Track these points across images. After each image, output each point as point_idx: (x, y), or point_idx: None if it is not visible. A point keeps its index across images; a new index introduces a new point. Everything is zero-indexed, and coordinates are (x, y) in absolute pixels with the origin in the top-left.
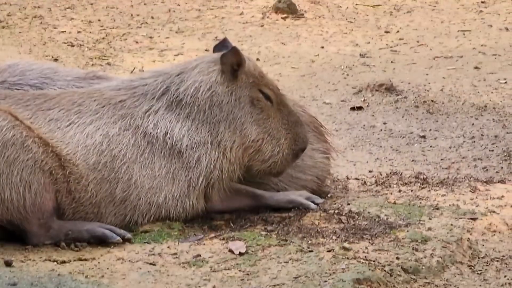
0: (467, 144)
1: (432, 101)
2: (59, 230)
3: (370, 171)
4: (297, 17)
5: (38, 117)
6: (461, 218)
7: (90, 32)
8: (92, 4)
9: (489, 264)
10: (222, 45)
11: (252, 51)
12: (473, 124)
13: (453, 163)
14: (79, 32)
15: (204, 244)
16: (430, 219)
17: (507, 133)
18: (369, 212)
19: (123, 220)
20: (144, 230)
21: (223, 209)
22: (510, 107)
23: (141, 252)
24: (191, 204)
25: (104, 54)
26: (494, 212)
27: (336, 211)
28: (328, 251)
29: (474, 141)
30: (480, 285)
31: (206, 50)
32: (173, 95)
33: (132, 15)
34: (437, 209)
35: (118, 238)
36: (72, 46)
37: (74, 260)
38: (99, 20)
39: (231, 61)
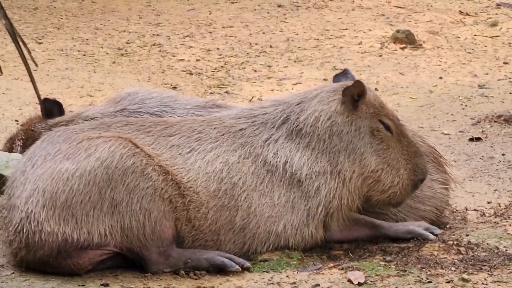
0: None
1: None
2: (178, 258)
3: (488, 202)
4: (416, 47)
5: (159, 143)
6: None
7: (209, 61)
8: (210, 32)
9: None
10: (342, 75)
11: (370, 81)
12: None
13: None
14: (197, 60)
15: (323, 273)
16: None
17: None
18: (488, 244)
19: (242, 248)
20: (263, 259)
21: (342, 238)
22: None
23: (260, 281)
24: (310, 233)
25: (222, 82)
26: None
27: (455, 242)
28: (447, 282)
29: None
30: None
31: (325, 79)
32: (293, 124)
33: (250, 43)
34: None
35: (237, 266)
36: (191, 74)
37: None
38: (217, 49)
39: (352, 91)
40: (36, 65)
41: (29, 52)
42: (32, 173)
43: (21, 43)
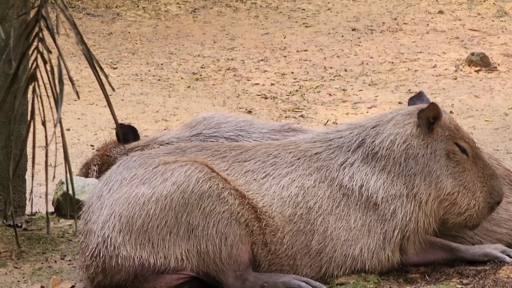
0: None
1: None
2: (255, 282)
3: None
4: (490, 70)
5: (234, 169)
6: None
7: (284, 85)
8: (285, 56)
9: None
10: (417, 98)
11: (445, 104)
12: None
13: None
14: (272, 84)
15: None
16: None
17: None
18: None
19: (319, 272)
20: (340, 283)
21: (418, 261)
22: None
23: None
24: (386, 256)
25: (297, 106)
26: None
27: None
28: None
29: None
30: None
31: (400, 102)
32: (369, 147)
33: (325, 67)
34: None
35: None
36: (266, 98)
37: None
38: (292, 73)
39: (427, 114)
40: (113, 89)
41: (106, 77)
42: (108, 198)
43: (98, 68)
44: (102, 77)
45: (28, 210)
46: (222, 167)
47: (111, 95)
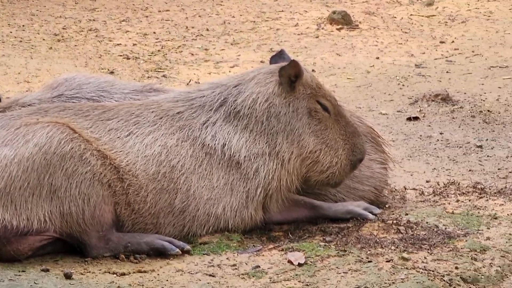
0: None
1: (488, 111)
2: (118, 242)
3: (427, 181)
4: (352, 28)
5: (98, 127)
6: None
7: (146, 45)
8: (147, 16)
9: None
10: (278, 56)
11: (307, 62)
12: None
13: (510, 172)
14: (134, 44)
15: (263, 255)
16: (488, 228)
17: None
18: (427, 222)
19: (182, 231)
20: (203, 242)
21: (282, 220)
22: None
23: (200, 263)
24: (249, 215)
25: (159, 66)
26: None
27: (395, 221)
28: (387, 261)
29: None
30: None
31: (262, 61)
32: (231, 106)
33: (187, 27)
34: (496, 218)
35: (177, 250)
36: (128, 58)
37: (134, 272)
38: (154, 33)
39: (289, 72)
40: None
41: None
42: None
43: None
44: None
45: None
46: (85, 125)
47: None
